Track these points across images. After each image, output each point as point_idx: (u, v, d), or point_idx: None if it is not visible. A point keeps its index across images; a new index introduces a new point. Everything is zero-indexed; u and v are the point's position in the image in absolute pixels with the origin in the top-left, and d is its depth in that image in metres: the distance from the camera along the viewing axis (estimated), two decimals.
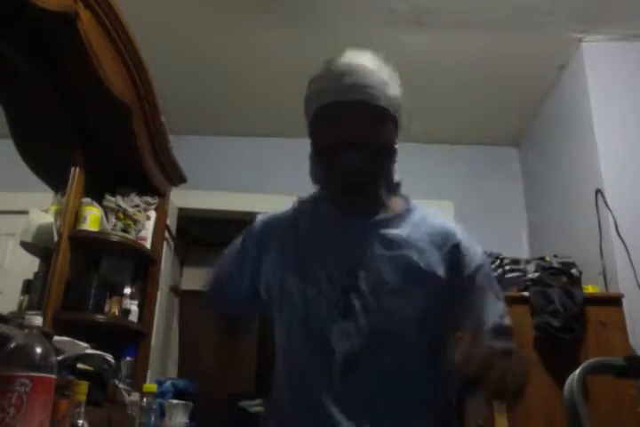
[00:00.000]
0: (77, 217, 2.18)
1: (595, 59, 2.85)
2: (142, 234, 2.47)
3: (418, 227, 1.15)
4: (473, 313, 1.12)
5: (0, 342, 1.09)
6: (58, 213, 2.17)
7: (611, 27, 2.79)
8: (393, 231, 1.13)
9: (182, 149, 2.85)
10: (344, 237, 1.14)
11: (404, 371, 1.06)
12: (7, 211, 2.27)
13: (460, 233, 1.18)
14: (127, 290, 2.37)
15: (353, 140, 1.08)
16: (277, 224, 1.23)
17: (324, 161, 1.14)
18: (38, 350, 0.98)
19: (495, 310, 1.14)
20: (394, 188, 1.21)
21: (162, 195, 2.64)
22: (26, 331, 1.01)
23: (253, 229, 1.25)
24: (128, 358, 2.31)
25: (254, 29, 2.82)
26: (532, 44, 2.87)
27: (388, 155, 1.16)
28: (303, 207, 1.23)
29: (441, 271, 1.10)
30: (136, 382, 2.26)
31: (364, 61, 1.14)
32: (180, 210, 3.42)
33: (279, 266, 1.16)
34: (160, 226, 2.61)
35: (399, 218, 1.16)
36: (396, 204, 1.20)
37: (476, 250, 1.18)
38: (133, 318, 2.37)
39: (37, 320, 1.03)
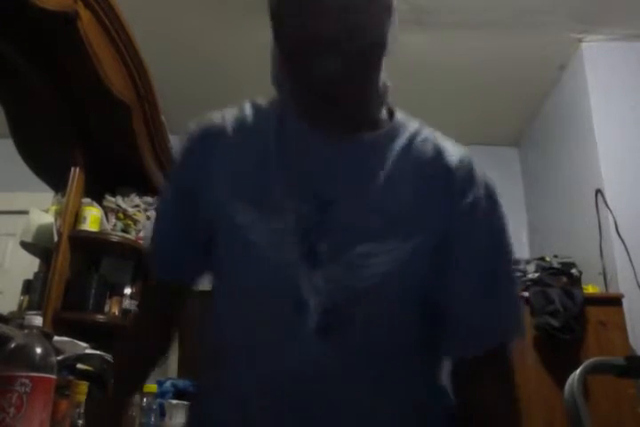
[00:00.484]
0: (77, 217, 2.18)
1: (595, 59, 2.85)
2: (142, 234, 2.47)
3: (405, 152, 0.85)
4: (458, 310, 0.83)
5: (0, 342, 1.09)
6: (58, 213, 2.17)
7: (611, 27, 2.79)
8: (376, 158, 0.84)
9: None
10: (313, 163, 0.84)
11: (384, 347, 0.80)
12: (7, 211, 2.28)
13: (463, 167, 0.86)
14: (127, 290, 2.37)
15: (329, 36, 0.76)
16: (223, 135, 0.90)
17: (291, 64, 0.84)
18: (38, 350, 0.98)
19: (497, 312, 0.84)
20: (381, 96, 0.88)
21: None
22: (26, 331, 1.01)
23: (188, 146, 0.93)
24: None
25: (254, 29, 2.82)
26: (532, 44, 2.87)
27: (377, 54, 0.82)
28: (259, 116, 0.91)
29: (429, 216, 0.82)
30: None
31: None
32: None
33: (226, 190, 0.85)
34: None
35: (384, 138, 0.86)
36: (379, 117, 0.88)
37: (487, 192, 0.87)
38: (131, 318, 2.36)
39: (37, 320, 1.03)
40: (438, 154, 0.86)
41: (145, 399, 1.69)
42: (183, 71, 3.15)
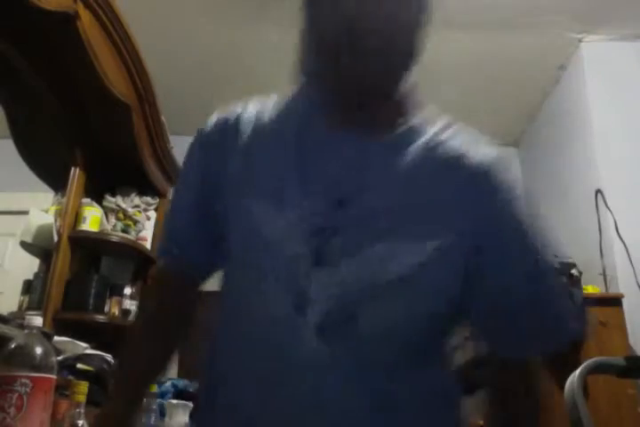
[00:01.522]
0: (77, 217, 2.18)
1: (595, 59, 2.85)
2: (142, 234, 2.47)
3: (429, 150, 0.82)
4: (510, 318, 0.81)
5: (0, 342, 1.09)
6: (58, 214, 2.17)
7: (611, 27, 2.80)
8: (399, 156, 0.81)
9: (182, 149, 2.85)
10: (337, 157, 0.81)
11: (386, 348, 0.78)
12: (7, 211, 2.28)
13: (488, 168, 0.81)
14: (127, 290, 2.37)
15: (369, 32, 0.73)
16: (243, 127, 0.87)
17: (324, 58, 0.78)
18: (38, 350, 0.98)
19: (537, 332, 0.82)
20: (409, 91, 0.84)
21: (162, 195, 2.64)
22: (26, 331, 1.01)
23: (208, 137, 0.92)
24: None
25: (255, 29, 2.82)
26: (532, 44, 2.88)
27: (412, 60, 0.80)
28: (281, 110, 0.89)
29: (452, 217, 0.79)
30: None
31: None
32: None
33: (243, 184, 0.84)
34: (160, 226, 2.61)
35: (408, 135, 0.83)
36: (406, 112, 0.85)
37: (514, 196, 0.83)
38: (133, 318, 2.37)
39: (37, 320, 1.03)
40: (463, 153, 0.82)
41: (145, 399, 1.69)
42: (183, 71, 3.15)
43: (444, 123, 0.86)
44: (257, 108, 0.90)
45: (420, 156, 0.81)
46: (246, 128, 0.87)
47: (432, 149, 0.82)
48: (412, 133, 0.83)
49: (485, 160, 0.82)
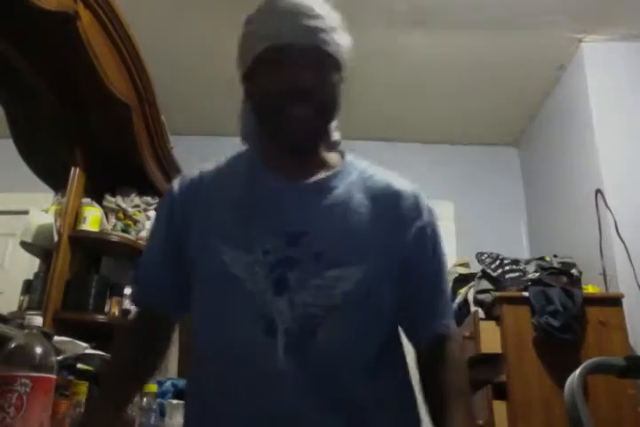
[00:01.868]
0: (77, 217, 2.18)
1: (595, 59, 2.86)
2: (142, 234, 2.47)
3: (358, 187, 1.02)
4: (414, 310, 1.04)
5: (0, 342, 1.09)
6: (58, 214, 2.17)
7: (611, 27, 2.80)
8: (333, 194, 1.00)
9: (182, 149, 2.85)
10: (282, 202, 1.00)
11: (351, 361, 0.94)
12: (7, 211, 2.27)
13: (410, 196, 1.04)
14: (127, 290, 2.37)
15: (306, 90, 0.95)
16: (201, 187, 1.06)
17: (267, 114, 1.00)
18: (38, 350, 0.98)
19: (440, 311, 1.06)
20: (333, 145, 1.08)
21: (162, 195, 2.63)
22: (26, 331, 1.02)
23: (173, 197, 1.08)
24: None
25: None
26: (532, 44, 2.88)
27: (336, 109, 1.02)
28: (232, 166, 1.08)
29: (384, 242, 0.98)
30: None
31: (312, 2, 1.00)
32: None
33: (208, 232, 0.99)
34: None
35: (337, 177, 1.03)
36: (332, 160, 1.07)
37: (429, 220, 1.05)
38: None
39: (37, 320, 1.03)
40: (387, 186, 1.04)
41: (145, 399, 1.69)
42: (183, 71, 3.15)
43: (365, 164, 1.08)
44: (212, 167, 1.09)
45: (350, 193, 1.01)
46: (204, 185, 1.06)
47: (359, 185, 1.03)
48: (342, 174, 1.04)
49: (404, 192, 1.04)
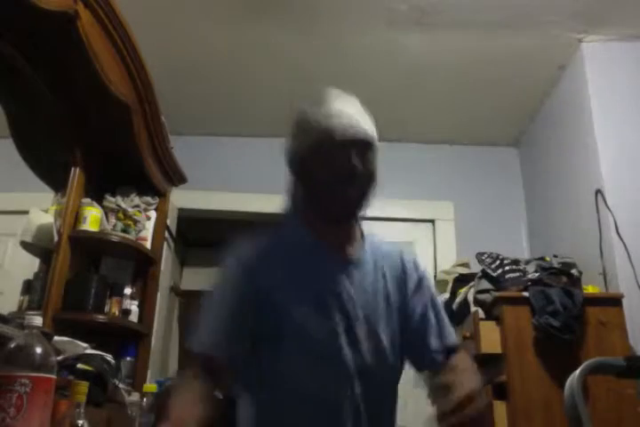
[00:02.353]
0: (77, 217, 2.18)
1: (595, 59, 2.85)
2: (142, 234, 2.47)
3: (377, 256, 1.34)
4: (418, 338, 1.32)
5: (0, 342, 1.09)
6: (58, 214, 2.17)
7: (611, 27, 2.79)
8: (365, 267, 1.31)
9: (182, 149, 2.85)
10: (334, 273, 1.27)
11: (391, 389, 1.30)
12: (7, 211, 2.27)
13: (410, 258, 1.40)
14: (127, 290, 2.37)
15: (357, 175, 1.22)
16: (262, 261, 1.26)
17: (323, 191, 1.25)
18: (38, 350, 0.98)
19: (441, 331, 1.33)
20: (363, 216, 1.36)
21: (162, 195, 2.64)
22: (26, 331, 1.02)
23: (240, 273, 1.25)
24: (128, 358, 2.31)
25: (254, 29, 2.82)
26: (532, 44, 2.87)
27: (376, 186, 1.28)
28: (282, 238, 1.32)
29: (402, 300, 1.32)
30: (136, 382, 2.26)
31: (354, 102, 1.30)
32: (180, 210, 3.42)
33: (281, 297, 1.22)
34: (160, 226, 2.61)
35: (364, 248, 1.33)
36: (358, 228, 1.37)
37: (422, 273, 1.39)
38: (133, 318, 2.37)
39: (37, 320, 1.03)
40: (395, 254, 1.38)
41: (145, 399, 1.69)
42: (183, 71, 3.15)
43: (374, 234, 1.39)
44: (265, 238, 1.31)
45: (373, 263, 1.33)
46: (266, 255, 1.27)
47: (376, 255, 1.34)
48: (365, 245, 1.34)
49: (405, 255, 1.40)
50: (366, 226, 1.37)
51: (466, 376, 1.14)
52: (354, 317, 1.23)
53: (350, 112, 1.26)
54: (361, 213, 1.31)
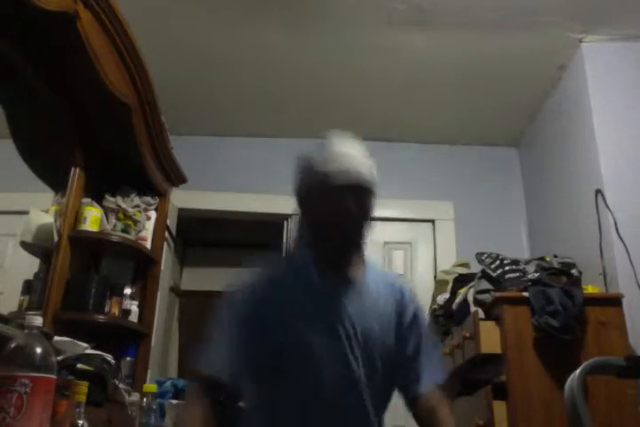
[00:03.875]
0: (77, 217, 2.18)
1: (595, 59, 2.85)
2: (142, 234, 2.47)
3: (376, 282, 1.43)
4: (409, 369, 1.41)
5: (0, 342, 1.09)
6: (58, 214, 2.17)
7: (611, 27, 2.79)
8: (369, 289, 1.40)
9: (182, 149, 2.85)
10: (339, 299, 1.36)
11: (382, 406, 1.40)
12: (7, 211, 2.27)
13: (406, 289, 1.48)
14: (127, 290, 2.37)
15: (351, 217, 1.34)
16: (270, 289, 1.37)
17: (321, 228, 1.39)
18: (38, 350, 0.98)
19: (431, 368, 1.42)
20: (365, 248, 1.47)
21: (162, 195, 2.64)
22: (26, 331, 1.02)
23: (245, 303, 1.36)
24: (128, 358, 2.31)
25: (255, 29, 2.82)
26: (532, 44, 2.87)
27: (370, 225, 1.40)
28: (289, 266, 1.43)
29: (398, 324, 1.42)
30: (136, 382, 2.26)
31: (356, 147, 1.40)
32: (180, 210, 3.42)
33: (292, 323, 1.33)
34: (160, 226, 2.61)
35: (367, 275, 1.42)
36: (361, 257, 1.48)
37: (418, 305, 1.48)
38: (133, 318, 2.36)
39: (37, 320, 1.03)
40: (395, 284, 1.47)
41: (145, 399, 1.69)
42: (183, 71, 3.15)
43: (374, 262, 1.50)
44: (269, 272, 1.42)
45: (374, 288, 1.42)
46: (277, 284, 1.39)
47: (375, 282, 1.43)
48: (368, 273, 1.43)
49: (403, 285, 1.49)
50: (368, 252, 1.47)
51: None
52: (353, 337, 1.31)
53: (349, 157, 1.35)
54: (361, 244, 1.41)
